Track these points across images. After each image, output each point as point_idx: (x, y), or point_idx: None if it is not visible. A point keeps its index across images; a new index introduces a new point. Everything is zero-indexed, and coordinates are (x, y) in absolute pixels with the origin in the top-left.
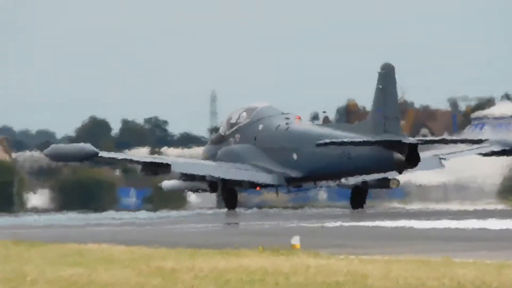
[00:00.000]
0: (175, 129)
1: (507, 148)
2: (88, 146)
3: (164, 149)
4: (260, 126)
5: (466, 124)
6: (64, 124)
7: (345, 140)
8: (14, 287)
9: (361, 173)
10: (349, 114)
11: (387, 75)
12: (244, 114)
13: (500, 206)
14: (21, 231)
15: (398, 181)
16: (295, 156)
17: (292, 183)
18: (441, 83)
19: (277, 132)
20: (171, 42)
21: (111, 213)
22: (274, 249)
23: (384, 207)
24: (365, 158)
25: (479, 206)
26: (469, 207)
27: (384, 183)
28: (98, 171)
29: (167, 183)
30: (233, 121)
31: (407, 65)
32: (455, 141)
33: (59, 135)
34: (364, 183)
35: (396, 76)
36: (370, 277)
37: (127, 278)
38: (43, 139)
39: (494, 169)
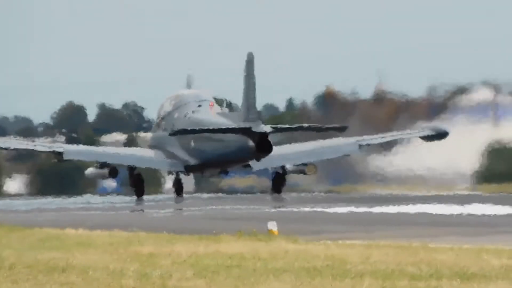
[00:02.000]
0: (152, 114)
1: (436, 133)
2: None
3: (142, 134)
4: (176, 114)
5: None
6: (42, 110)
7: (196, 128)
8: None
9: (226, 161)
10: (327, 101)
11: (249, 63)
12: (169, 102)
13: (477, 192)
14: None
15: (315, 167)
16: (192, 144)
17: (191, 170)
18: (419, 70)
19: (184, 120)
20: (150, 24)
21: (88, 198)
22: (252, 234)
23: (361, 192)
24: (227, 146)
25: (456, 192)
26: (446, 192)
27: (301, 170)
28: None
29: (87, 171)
30: (162, 109)
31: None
32: (313, 129)
33: (36, 122)
34: (283, 168)
35: None
36: (349, 262)
37: (106, 263)
38: (22, 125)
39: (470, 155)
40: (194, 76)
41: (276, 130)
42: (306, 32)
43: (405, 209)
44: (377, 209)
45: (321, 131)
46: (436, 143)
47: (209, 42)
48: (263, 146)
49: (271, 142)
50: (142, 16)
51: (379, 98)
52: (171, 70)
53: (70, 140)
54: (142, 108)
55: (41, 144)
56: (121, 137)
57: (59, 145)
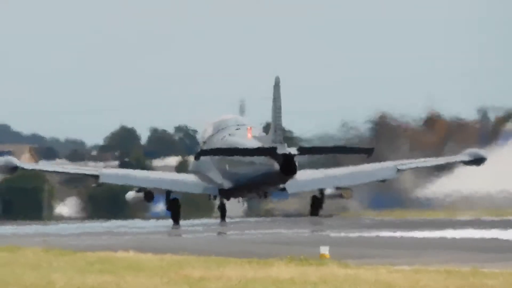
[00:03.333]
0: None
1: (473, 158)
2: (13, 160)
3: (191, 158)
4: (215, 138)
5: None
6: (94, 133)
7: (221, 148)
8: None
9: (255, 184)
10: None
11: (276, 87)
12: (211, 126)
13: None
14: (51, 239)
15: (350, 191)
16: (227, 167)
17: (225, 194)
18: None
19: (219, 143)
20: (203, 48)
21: (138, 221)
22: (303, 258)
23: (409, 217)
24: (254, 169)
25: (507, 216)
26: (497, 217)
27: (339, 194)
28: None
29: (127, 195)
30: (204, 133)
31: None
32: (338, 150)
33: (89, 144)
34: (321, 192)
35: None
36: (397, 287)
37: (155, 286)
38: (72, 147)
39: None
40: (247, 101)
41: (301, 152)
42: (354, 53)
43: (453, 234)
44: (426, 234)
45: (346, 153)
46: (486, 167)
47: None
48: (288, 168)
49: (296, 164)
50: (197, 38)
51: (430, 121)
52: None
53: (122, 164)
54: (195, 131)
55: (80, 168)
56: (173, 160)
57: (96, 169)
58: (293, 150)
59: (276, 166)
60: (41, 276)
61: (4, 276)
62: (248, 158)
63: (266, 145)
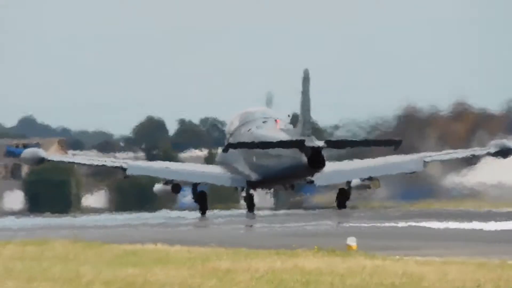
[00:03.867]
0: None
1: (500, 149)
2: (39, 151)
3: (219, 150)
4: (242, 130)
5: None
6: (121, 124)
7: (247, 142)
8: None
9: (283, 176)
10: (405, 117)
11: (305, 80)
12: (238, 118)
13: None
14: (79, 231)
15: (378, 182)
16: (254, 159)
17: (253, 186)
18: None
19: (247, 135)
20: (227, 41)
21: (166, 213)
22: (330, 250)
23: (436, 208)
24: (282, 161)
25: None
26: None
27: (366, 185)
28: None
29: (155, 187)
30: (231, 125)
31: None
32: (366, 143)
33: (116, 135)
34: (348, 184)
35: None
36: (426, 279)
37: (183, 278)
38: (101, 139)
39: None
40: (274, 93)
41: (329, 145)
42: (382, 47)
43: (482, 226)
44: (454, 225)
45: (374, 146)
46: None
47: (289, 62)
48: (316, 161)
49: (324, 157)
50: (224, 31)
51: (458, 113)
52: (253, 85)
53: (149, 156)
54: (223, 123)
55: (107, 160)
56: (201, 153)
57: (124, 161)
58: (321, 143)
59: (304, 159)
60: (69, 269)
61: (32, 269)
62: (275, 151)
63: (294, 138)
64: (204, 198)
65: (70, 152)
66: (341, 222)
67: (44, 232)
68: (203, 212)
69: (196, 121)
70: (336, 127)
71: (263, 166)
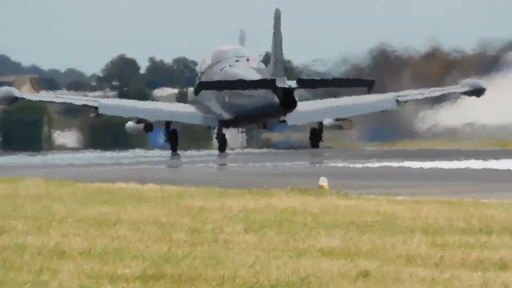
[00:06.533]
0: None
1: (473, 89)
2: (13, 90)
3: (190, 89)
4: (214, 69)
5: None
6: (93, 63)
7: (221, 80)
8: (43, 225)
9: (254, 116)
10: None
11: (277, 20)
12: (210, 56)
13: None
14: (51, 170)
15: (351, 122)
16: (226, 98)
17: (225, 125)
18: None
19: (219, 74)
20: None
21: (138, 152)
22: (303, 189)
23: (407, 147)
24: (254, 101)
25: (507, 147)
26: (497, 147)
27: (339, 125)
28: None
29: (126, 125)
30: (203, 64)
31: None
32: (339, 83)
33: (88, 74)
34: (320, 124)
35: None
36: (399, 218)
37: (156, 217)
38: (72, 78)
39: None
40: (247, 32)
41: (300, 85)
42: None
43: (455, 165)
44: (427, 165)
45: (347, 86)
46: (487, 97)
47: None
48: (287, 101)
49: (296, 98)
50: None
51: (431, 53)
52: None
53: (121, 94)
54: (194, 62)
55: (78, 98)
56: (174, 90)
57: (95, 99)
58: (293, 83)
59: (276, 99)
60: (41, 208)
61: (4, 207)
62: (247, 91)
63: (266, 77)
64: (175, 137)
65: (43, 92)
66: (313, 162)
67: (16, 171)
68: (174, 149)
69: (168, 60)
70: (309, 65)
71: (235, 105)
